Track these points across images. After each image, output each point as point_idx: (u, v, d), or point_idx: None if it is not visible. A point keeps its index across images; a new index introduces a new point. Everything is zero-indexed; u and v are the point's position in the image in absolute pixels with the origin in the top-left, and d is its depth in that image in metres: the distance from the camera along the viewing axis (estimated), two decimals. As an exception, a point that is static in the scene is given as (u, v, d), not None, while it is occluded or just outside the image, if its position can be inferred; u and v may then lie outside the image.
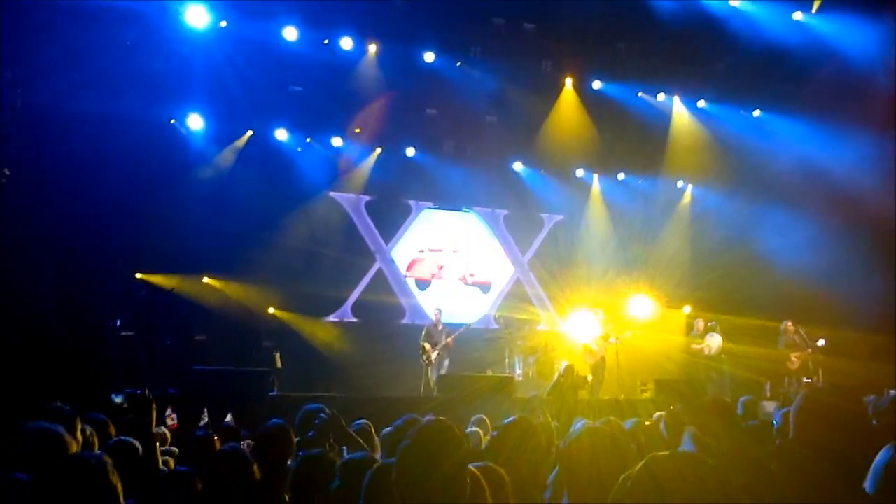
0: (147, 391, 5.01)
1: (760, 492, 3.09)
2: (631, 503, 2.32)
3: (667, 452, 2.40)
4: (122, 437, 5.31)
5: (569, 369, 5.28)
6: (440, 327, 15.35)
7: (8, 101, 12.13)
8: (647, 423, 5.73)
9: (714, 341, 15.91)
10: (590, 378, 15.12)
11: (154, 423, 5.13)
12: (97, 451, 4.36)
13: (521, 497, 3.72)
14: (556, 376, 5.56)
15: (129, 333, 13.30)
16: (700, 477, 2.28)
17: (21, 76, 12.51)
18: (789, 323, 15.66)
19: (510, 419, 4.50)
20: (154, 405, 5.00)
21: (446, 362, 15.05)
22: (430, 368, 14.83)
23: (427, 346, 14.99)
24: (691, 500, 2.24)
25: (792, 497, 2.96)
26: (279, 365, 13.16)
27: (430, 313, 16.11)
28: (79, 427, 4.24)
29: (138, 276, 14.50)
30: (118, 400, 8.66)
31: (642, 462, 2.35)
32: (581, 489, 3.41)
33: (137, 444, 5.05)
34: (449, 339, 15.07)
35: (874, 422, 4.31)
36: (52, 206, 12.78)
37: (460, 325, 15.65)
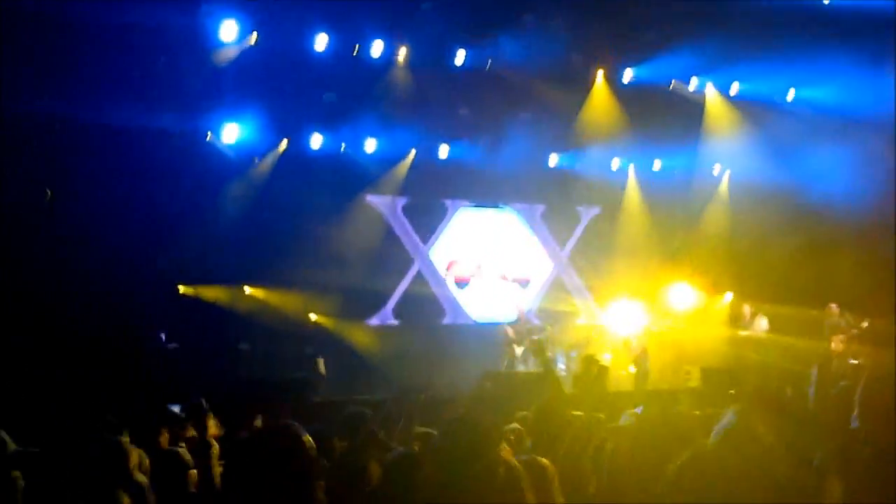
0: (203, 401, 5.11)
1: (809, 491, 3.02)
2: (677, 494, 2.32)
3: (711, 445, 2.39)
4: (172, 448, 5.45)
5: (585, 361, 5.31)
6: (523, 322, 15.53)
7: (45, 117, 12.42)
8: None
9: (761, 326, 15.80)
10: (632, 369, 15.12)
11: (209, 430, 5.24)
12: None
13: (566, 487, 3.74)
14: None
15: (174, 345, 13.46)
16: (743, 470, 2.27)
17: (59, 92, 12.78)
18: (834, 306, 15.51)
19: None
20: (210, 413, 5.11)
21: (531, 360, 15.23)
22: (520, 364, 15.01)
23: (511, 333, 15.18)
24: (734, 493, 2.24)
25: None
26: (322, 370, 13.25)
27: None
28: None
29: (181, 288, 14.69)
30: (175, 410, 8.81)
31: (686, 454, 2.34)
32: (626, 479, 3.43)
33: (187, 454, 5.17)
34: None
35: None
36: (95, 221, 12.98)
37: (503, 323, 15.78)
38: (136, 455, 3.91)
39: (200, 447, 4.98)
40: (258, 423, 6.21)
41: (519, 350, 15.11)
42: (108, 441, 3.74)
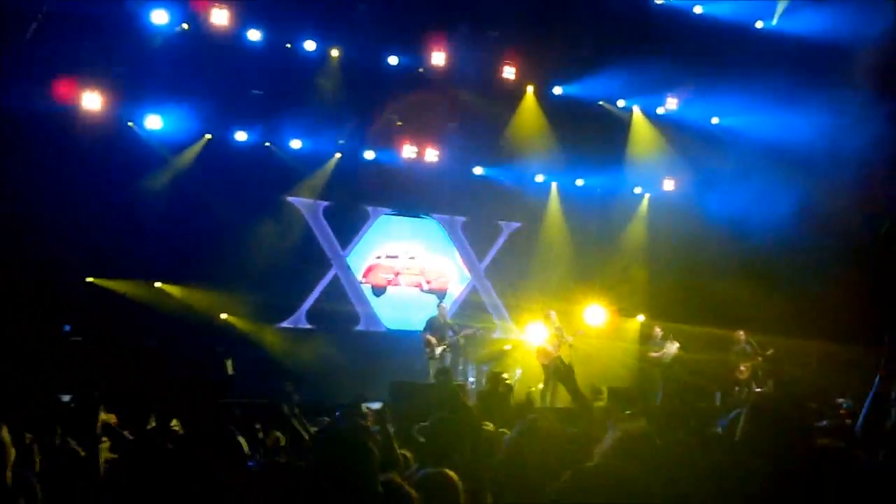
0: (96, 393, 4.96)
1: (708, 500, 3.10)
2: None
3: (592, 464, 2.39)
4: (65, 444, 5.26)
5: (492, 377, 5.31)
6: (443, 321, 15.43)
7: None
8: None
9: (672, 348, 16.04)
10: (540, 386, 15.20)
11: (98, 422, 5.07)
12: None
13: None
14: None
15: (78, 339, 13.09)
16: (622, 489, 2.26)
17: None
18: (741, 333, 15.86)
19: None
20: (101, 406, 4.95)
21: (448, 359, 15.18)
22: (433, 362, 14.88)
23: (432, 338, 15.03)
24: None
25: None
26: (230, 371, 12.99)
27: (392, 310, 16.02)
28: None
29: (89, 279, 14.29)
30: (66, 399, 8.54)
31: (567, 474, 2.34)
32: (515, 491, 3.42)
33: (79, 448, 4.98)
34: (460, 337, 15.28)
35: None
36: (4, 206, 12.57)
37: (417, 332, 15.69)
38: (14, 452, 3.71)
39: (89, 439, 4.81)
40: (153, 422, 6.06)
41: (439, 349, 15.04)
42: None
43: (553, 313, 15.61)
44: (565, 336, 15.19)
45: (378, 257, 17.95)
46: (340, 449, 2.91)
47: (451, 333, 15.37)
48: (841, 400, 13.04)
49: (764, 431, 3.10)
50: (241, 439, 3.43)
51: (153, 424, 6.39)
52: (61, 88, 13.88)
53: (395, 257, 18.11)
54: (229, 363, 13.05)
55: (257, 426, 6.61)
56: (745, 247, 16.23)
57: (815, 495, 2.92)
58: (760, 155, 16.45)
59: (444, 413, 5.06)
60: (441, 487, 3.65)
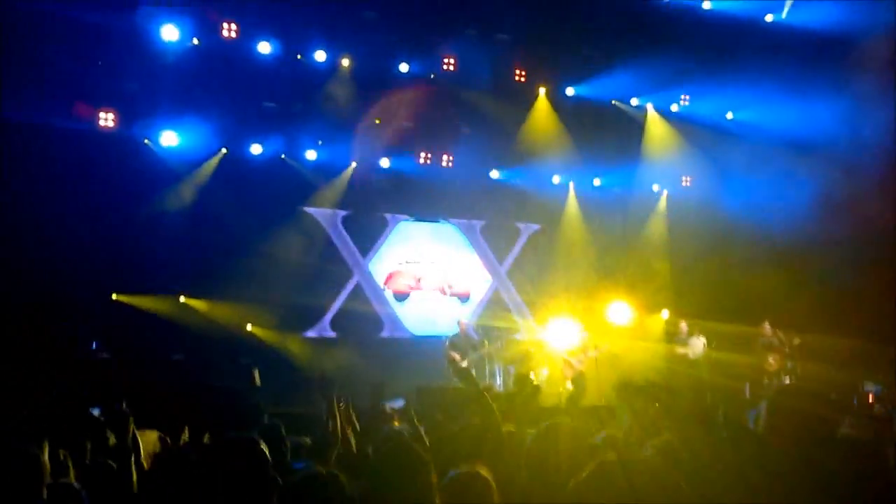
0: (124, 405, 4.99)
1: (737, 498, 3.11)
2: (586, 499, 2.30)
3: (614, 457, 2.40)
4: (97, 459, 5.31)
5: (519, 379, 5.31)
6: (465, 337, 15.52)
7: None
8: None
9: (699, 344, 15.96)
10: (570, 386, 15.16)
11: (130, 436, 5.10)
12: (71, 481, 4.33)
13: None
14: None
15: (106, 355, 13.18)
16: (646, 482, 2.28)
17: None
18: (767, 325, 15.77)
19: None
20: (131, 419, 4.98)
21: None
22: (457, 379, 14.93)
23: (456, 355, 15.06)
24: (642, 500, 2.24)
25: (765, 499, 2.97)
26: (258, 382, 13.06)
27: (409, 325, 16.01)
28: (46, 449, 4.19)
29: (115, 297, 14.41)
30: (95, 413, 8.60)
31: (589, 467, 2.35)
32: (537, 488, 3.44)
33: (112, 463, 5.03)
34: (490, 347, 15.45)
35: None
36: (29, 225, 12.69)
37: (442, 337, 15.76)
38: (49, 468, 3.78)
39: (120, 453, 4.84)
40: (186, 435, 6.09)
41: (464, 364, 15.11)
42: (24, 453, 3.60)
43: (580, 324, 15.62)
44: (590, 350, 15.20)
45: (399, 263, 17.99)
46: (398, 458, 2.92)
47: (474, 352, 15.41)
48: (869, 385, 12.98)
49: (784, 423, 3.10)
50: (264, 447, 3.46)
51: (186, 438, 6.43)
52: (78, 108, 14.03)
53: (417, 263, 18.13)
54: (256, 373, 13.13)
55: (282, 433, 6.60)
56: (767, 240, 16.18)
57: (836, 486, 2.91)
58: (778, 147, 16.41)
59: (469, 417, 5.08)
60: (473, 486, 3.66)
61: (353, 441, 5.90)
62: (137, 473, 4.72)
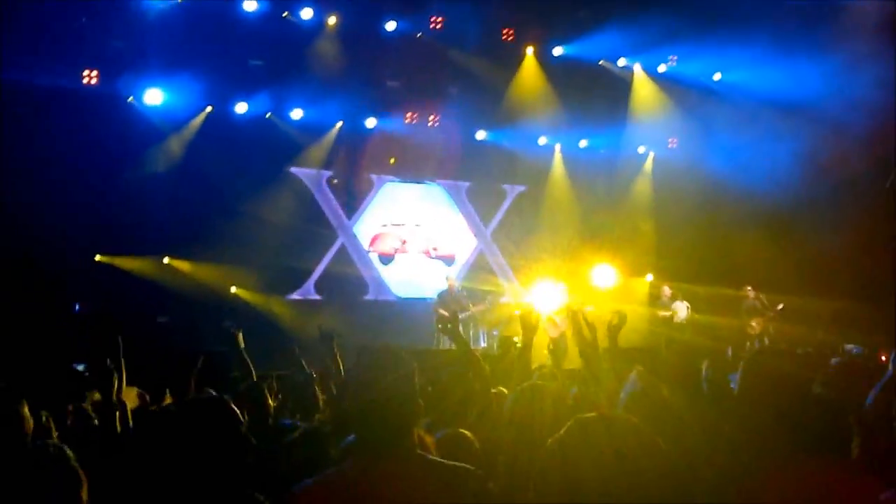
0: (108, 361, 4.97)
1: (716, 456, 3.15)
2: (556, 466, 2.31)
3: (593, 414, 2.40)
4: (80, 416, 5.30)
5: (502, 342, 5.31)
6: (453, 294, 15.47)
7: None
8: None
9: (682, 308, 16.03)
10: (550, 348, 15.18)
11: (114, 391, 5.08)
12: (53, 440, 4.32)
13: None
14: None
15: (88, 314, 13.15)
16: (627, 441, 2.28)
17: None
18: (749, 289, 15.85)
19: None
20: (116, 375, 4.97)
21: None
22: (445, 337, 14.90)
23: (444, 312, 15.02)
24: (616, 463, 2.25)
25: (742, 457, 3.02)
26: (241, 344, 13.03)
27: (391, 286, 15.98)
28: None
29: (98, 258, 14.34)
30: (80, 369, 8.58)
31: (568, 424, 2.35)
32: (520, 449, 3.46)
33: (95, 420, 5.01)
34: (475, 309, 15.34)
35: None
36: (9, 185, 12.56)
37: (427, 300, 15.74)
38: (32, 423, 3.77)
39: (105, 409, 4.83)
40: (169, 397, 6.08)
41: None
42: (4, 408, 3.61)
43: (563, 285, 15.63)
44: (573, 312, 15.20)
45: (384, 225, 17.95)
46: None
47: (459, 307, 15.37)
48: (850, 346, 13.05)
49: (759, 384, 3.15)
50: (235, 407, 3.45)
51: (169, 400, 6.42)
52: (61, 66, 13.87)
53: (402, 225, 18.10)
54: (240, 335, 13.10)
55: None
56: (753, 202, 16.19)
57: (810, 444, 2.96)
58: (765, 108, 16.36)
59: (456, 370, 5.09)
60: (459, 448, 3.70)
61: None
62: (122, 430, 4.71)
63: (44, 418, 4.76)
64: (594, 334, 4.93)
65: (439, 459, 2.93)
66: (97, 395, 5.45)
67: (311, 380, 6.77)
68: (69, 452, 3.08)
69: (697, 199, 17.40)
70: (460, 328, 14.75)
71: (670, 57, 18.14)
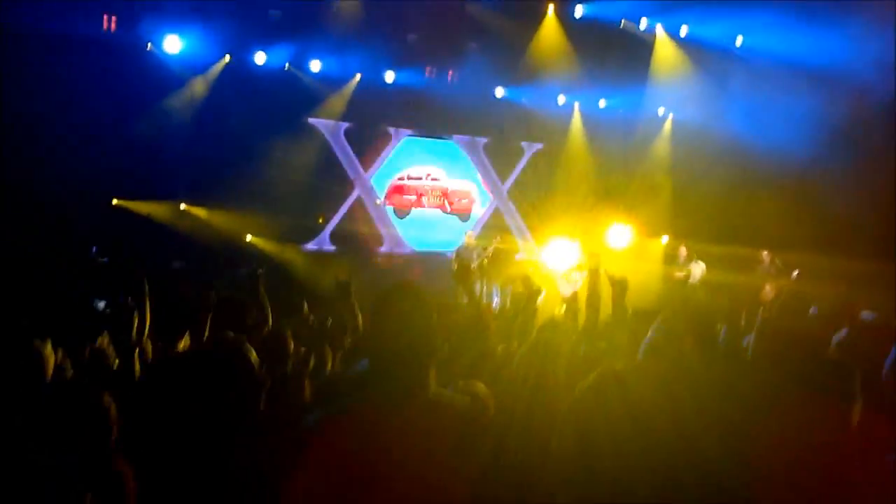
0: (129, 299, 5.00)
1: (729, 414, 3.17)
2: (583, 413, 2.32)
3: (619, 367, 2.40)
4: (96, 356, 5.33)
5: (516, 299, 5.27)
6: (471, 249, 15.55)
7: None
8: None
9: (698, 269, 16.00)
10: (564, 308, 15.22)
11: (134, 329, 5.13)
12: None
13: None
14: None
15: (105, 260, 13.23)
16: (641, 396, 2.29)
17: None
18: (766, 253, 15.79)
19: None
20: (136, 312, 5.01)
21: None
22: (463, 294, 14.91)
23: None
24: (630, 419, 2.26)
25: (755, 415, 3.03)
26: (261, 288, 13.10)
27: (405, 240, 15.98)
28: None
29: (115, 202, 14.41)
30: (100, 305, 8.64)
31: (594, 374, 2.35)
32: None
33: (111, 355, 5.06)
34: (484, 260, 15.44)
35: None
36: (28, 130, 12.62)
37: (443, 253, 15.77)
38: (52, 361, 3.80)
39: (124, 347, 4.87)
40: (186, 341, 6.12)
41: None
42: (24, 346, 3.62)
43: (577, 242, 15.61)
44: (586, 270, 15.19)
45: (401, 179, 17.96)
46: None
47: (476, 258, 15.41)
48: (865, 312, 13.02)
49: (773, 346, 3.16)
50: (250, 351, 3.47)
51: (186, 343, 6.47)
52: (80, 11, 13.85)
53: (419, 178, 18.10)
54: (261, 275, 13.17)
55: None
56: (771, 163, 16.07)
57: (822, 408, 2.97)
58: (785, 70, 16.18)
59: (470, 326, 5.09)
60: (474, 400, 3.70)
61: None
62: (140, 371, 4.76)
63: (59, 355, 4.82)
64: (620, 289, 4.93)
65: (454, 402, 2.88)
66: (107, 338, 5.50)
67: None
68: (103, 395, 3.09)
69: (716, 161, 17.29)
70: (476, 286, 14.83)
71: (691, 19, 17.91)
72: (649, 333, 3.65)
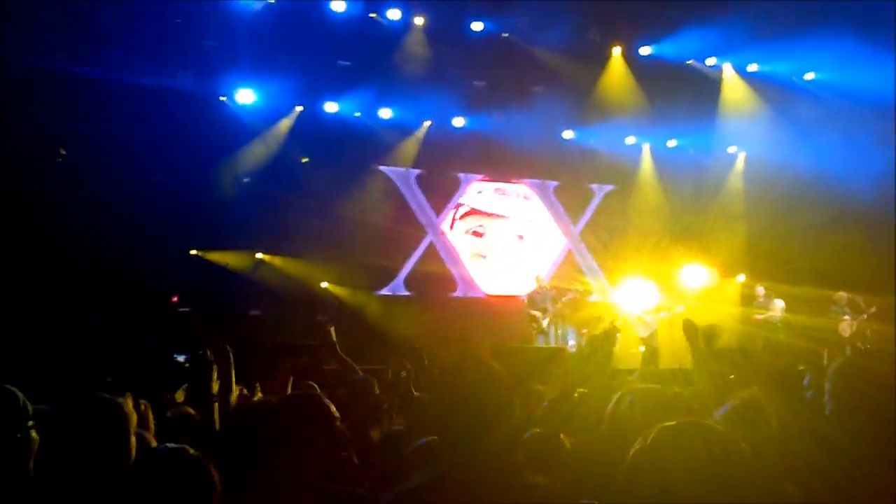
0: (208, 352, 5.06)
1: (815, 460, 3.08)
2: (638, 474, 2.24)
3: (674, 423, 2.31)
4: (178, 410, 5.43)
5: (590, 341, 5.21)
6: (542, 293, 15.44)
7: (58, 73, 12.43)
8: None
9: (777, 307, 15.67)
10: (642, 349, 15.06)
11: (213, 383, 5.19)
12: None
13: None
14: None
15: (186, 309, 13.48)
16: (709, 448, 2.19)
17: (72, 48, 12.81)
18: (842, 294, 15.46)
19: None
20: (215, 365, 5.07)
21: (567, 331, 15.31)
22: (541, 336, 14.90)
23: (536, 313, 15.03)
24: (700, 472, 2.17)
25: (841, 461, 2.95)
26: (333, 339, 13.21)
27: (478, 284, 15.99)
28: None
29: (193, 252, 14.70)
30: (180, 360, 8.80)
31: (652, 432, 2.27)
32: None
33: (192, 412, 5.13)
34: (563, 305, 15.24)
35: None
36: (108, 180, 12.97)
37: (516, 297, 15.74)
38: (135, 417, 3.84)
39: (203, 401, 4.93)
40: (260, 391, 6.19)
41: (545, 322, 15.04)
42: (108, 402, 3.66)
43: (654, 284, 15.48)
44: (663, 312, 15.04)
45: (472, 224, 18.02)
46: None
47: (550, 305, 15.32)
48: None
49: (852, 387, 3.06)
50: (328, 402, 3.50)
51: (259, 395, 6.53)
52: (156, 65, 14.26)
53: (490, 222, 18.14)
54: (332, 330, 13.29)
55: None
56: (845, 203, 15.78)
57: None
58: (857, 108, 15.93)
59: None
60: (547, 448, 3.68)
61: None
62: (221, 423, 4.81)
63: (142, 407, 4.91)
64: (709, 343, 4.82)
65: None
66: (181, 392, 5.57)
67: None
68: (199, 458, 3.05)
69: (789, 199, 17.02)
70: (548, 327, 14.76)
71: (759, 57, 17.76)
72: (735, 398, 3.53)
